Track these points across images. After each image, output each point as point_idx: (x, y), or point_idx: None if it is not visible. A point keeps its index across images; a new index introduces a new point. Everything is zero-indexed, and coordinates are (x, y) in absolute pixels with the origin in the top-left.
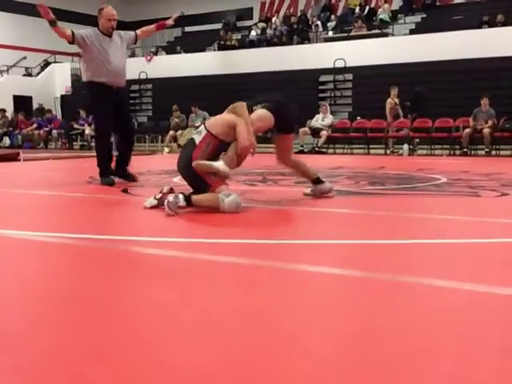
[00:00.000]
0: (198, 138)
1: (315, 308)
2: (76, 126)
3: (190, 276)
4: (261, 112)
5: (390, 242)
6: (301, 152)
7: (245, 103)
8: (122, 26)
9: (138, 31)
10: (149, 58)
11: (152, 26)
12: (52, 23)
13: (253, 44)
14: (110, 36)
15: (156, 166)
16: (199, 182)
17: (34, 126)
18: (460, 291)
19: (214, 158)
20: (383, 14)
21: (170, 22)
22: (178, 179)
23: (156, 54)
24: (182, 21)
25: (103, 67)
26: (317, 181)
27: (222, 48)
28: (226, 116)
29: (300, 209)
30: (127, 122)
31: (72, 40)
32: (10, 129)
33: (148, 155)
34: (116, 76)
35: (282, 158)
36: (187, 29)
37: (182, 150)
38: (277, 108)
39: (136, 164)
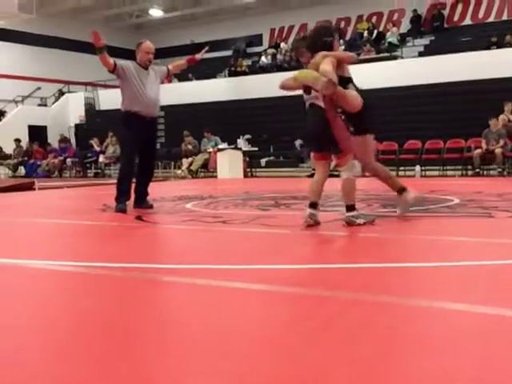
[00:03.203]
0: (318, 102)
1: (331, 332)
2: (92, 143)
3: (202, 303)
4: (354, 93)
5: (402, 265)
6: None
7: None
8: (133, 54)
9: (170, 66)
10: (167, 80)
11: (183, 61)
12: (101, 50)
13: (263, 70)
14: (146, 69)
15: (169, 193)
16: (334, 144)
17: (53, 154)
18: (473, 314)
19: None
20: (392, 38)
21: (200, 56)
22: (190, 205)
23: (169, 81)
24: (192, 49)
25: (139, 98)
26: (401, 191)
27: (232, 74)
28: (313, 62)
29: (312, 233)
30: (151, 153)
31: (113, 70)
32: (25, 158)
33: (161, 181)
34: (150, 106)
35: (361, 162)
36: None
37: (308, 116)
38: (365, 101)
39: (149, 191)
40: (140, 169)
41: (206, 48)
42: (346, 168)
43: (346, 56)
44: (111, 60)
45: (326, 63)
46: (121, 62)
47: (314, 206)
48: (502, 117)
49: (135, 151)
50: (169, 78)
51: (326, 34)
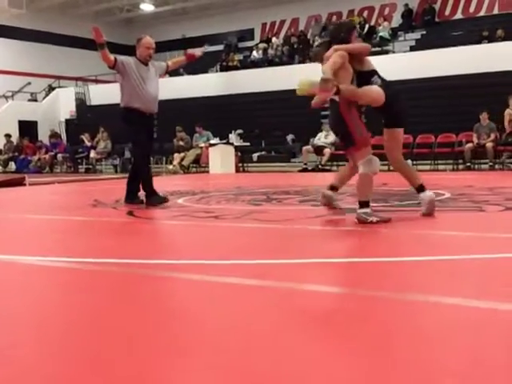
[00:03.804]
0: (335, 97)
1: (325, 327)
2: (83, 137)
3: (194, 298)
4: (374, 88)
5: (394, 259)
6: (305, 170)
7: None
8: (125, 49)
9: (169, 62)
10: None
11: (182, 58)
12: (101, 46)
13: (254, 64)
14: (146, 64)
15: (161, 188)
16: (348, 137)
17: (43, 149)
18: (466, 308)
19: (357, 104)
20: (383, 32)
21: (198, 53)
22: (182, 200)
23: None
24: (184, 43)
25: (140, 94)
26: (419, 188)
27: (224, 69)
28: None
29: (305, 228)
30: (151, 148)
31: (113, 65)
32: (16, 154)
33: (152, 177)
34: (150, 103)
35: (388, 154)
36: (189, 51)
37: (330, 110)
38: (392, 93)
39: (140, 186)
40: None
41: (206, 46)
42: (363, 163)
43: (358, 47)
44: (111, 56)
45: (328, 63)
46: (121, 58)
47: (332, 188)
48: (507, 111)
49: (146, 147)
50: (165, 74)
51: (342, 31)
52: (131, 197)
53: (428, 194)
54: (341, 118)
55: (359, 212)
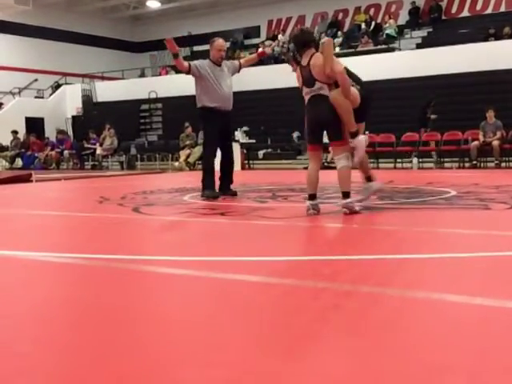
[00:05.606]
0: (324, 92)
1: (327, 324)
2: (87, 145)
3: (200, 295)
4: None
5: (399, 256)
6: None
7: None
8: (131, 45)
9: (242, 61)
10: (164, 71)
11: (254, 55)
12: (176, 55)
13: (261, 61)
14: (219, 65)
15: (166, 185)
16: (338, 131)
17: (50, 146)
18: (470, 306)
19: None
20: (389, 29)
21: (269, 50)
22: (188, 197)
23: (166, 73)
24: (190, 40)
25: (215, 93)
26: (368, 179)
27: None
28: (318, 63)
29: (309, 225)
30: (230, 142)
31: (188, 71)
32: (23, 150)
33: (158, 173)
34: (226, 101)
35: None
36: (196, 48)
37: (312, 107)
38: (366, 94)
39: (146, 183)
40: (221, 159)
41: (275, 42)
42: (344, 157)
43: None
44: (185, 63)
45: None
46: (195, 62)
47: (312, 197)
48: None
49: (217, 143)
50: (238, 72)
51: (310, 33)
52: (207, 192)
53: (376, 185)
54: (335, 112)
55: (347, 202)
